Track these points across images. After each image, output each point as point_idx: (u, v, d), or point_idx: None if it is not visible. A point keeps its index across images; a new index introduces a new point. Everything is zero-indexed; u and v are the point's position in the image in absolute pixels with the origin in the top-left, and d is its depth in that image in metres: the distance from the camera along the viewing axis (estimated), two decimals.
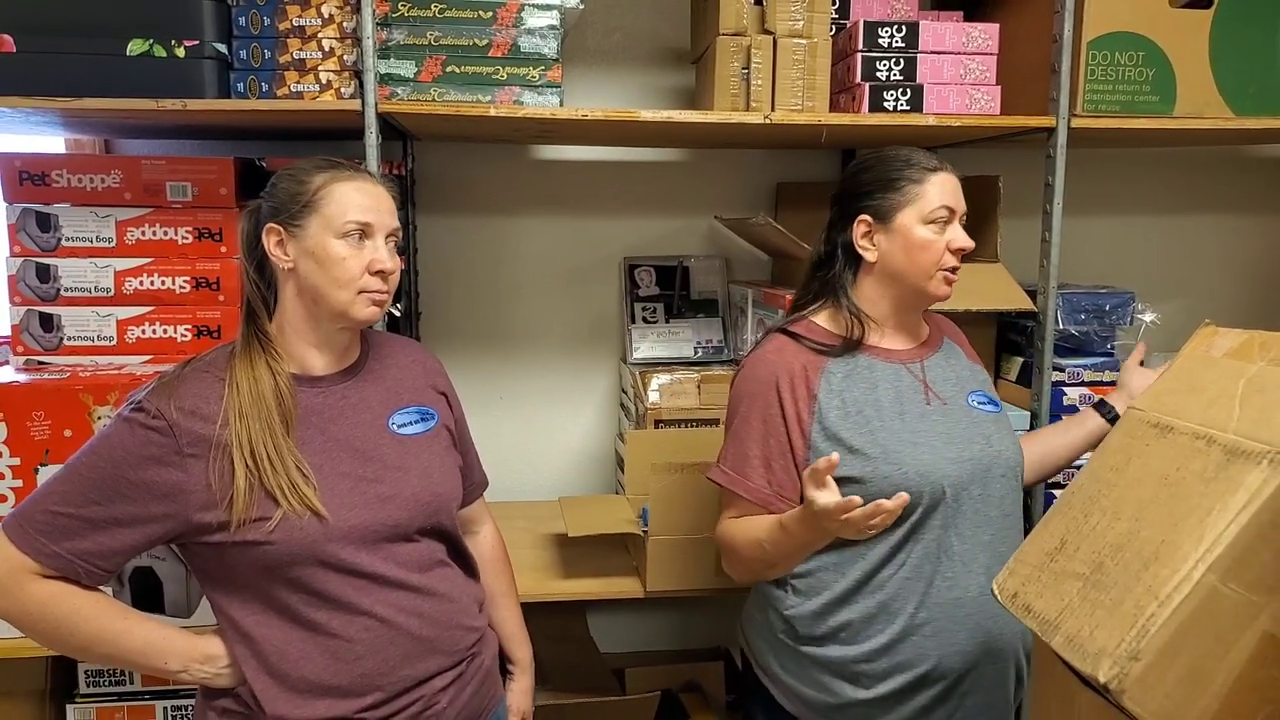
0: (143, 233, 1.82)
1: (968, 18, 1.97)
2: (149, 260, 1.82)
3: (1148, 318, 1.98)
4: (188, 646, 1.26)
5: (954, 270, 1.42)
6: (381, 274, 1.27)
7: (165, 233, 1.82)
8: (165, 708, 1.83)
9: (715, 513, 1.73)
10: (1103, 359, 1.97)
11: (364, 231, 1.26)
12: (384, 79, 1.73)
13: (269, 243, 1.27)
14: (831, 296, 1.48)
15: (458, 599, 1.36)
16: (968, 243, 1.41)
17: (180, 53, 1.66)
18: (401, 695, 1.28)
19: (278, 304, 1.32)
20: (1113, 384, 1.96)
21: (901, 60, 1.81)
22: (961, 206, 1.42)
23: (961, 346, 1.55)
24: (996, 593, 1.09)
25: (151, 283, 1.82)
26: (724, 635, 2.53)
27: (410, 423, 1.37)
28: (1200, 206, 2.56)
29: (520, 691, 1.57)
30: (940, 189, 1.41)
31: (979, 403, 1.47)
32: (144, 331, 1.83)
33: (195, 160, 1.83)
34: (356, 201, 1.26)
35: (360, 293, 1.26)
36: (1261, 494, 0.85)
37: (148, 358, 1.83)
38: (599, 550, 2.04)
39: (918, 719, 1.38)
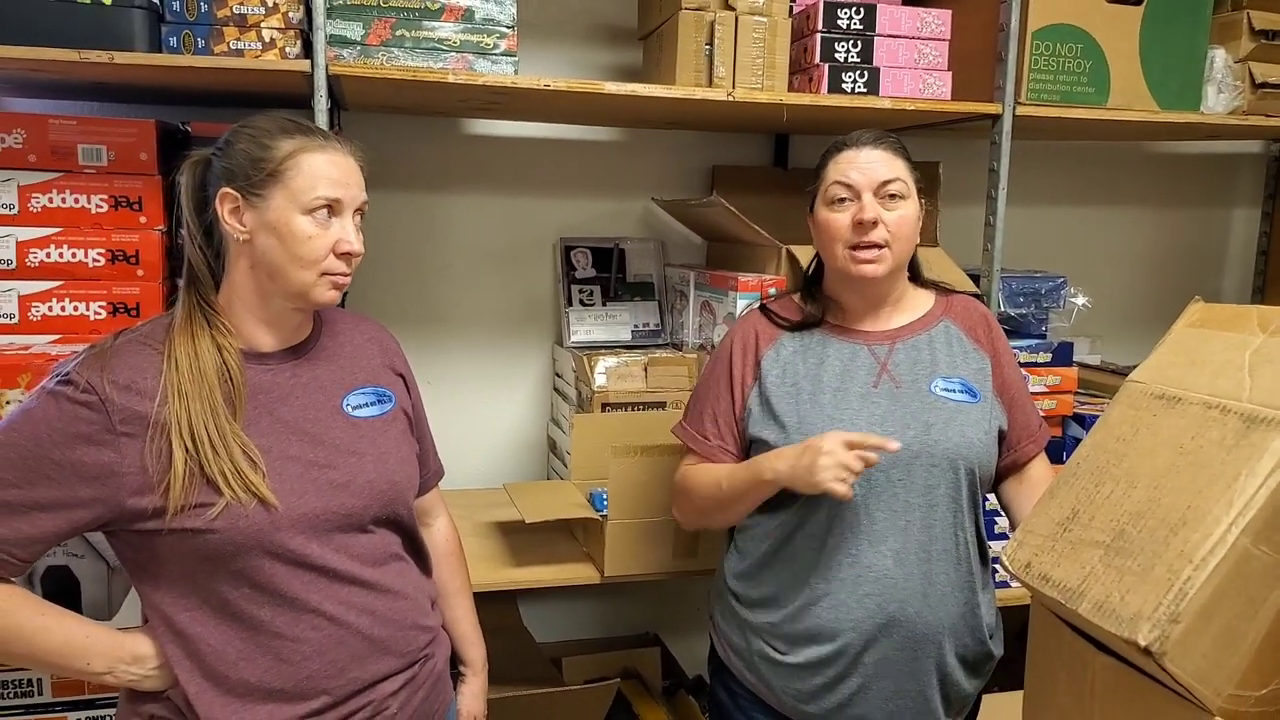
0: (50, 199, 1.64)
1: (909, 3, 1.99)
2: (57, 230, 1.65)
3: (1079, 301, 2.07)
4: (113, 645, 1.15)
5: (863, 247, 1.37)
6: (347, 256, 1.18)
7: (76, 200, 1.65)
8: (79, 719, 1.66)
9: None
10: (1036, 340, 2.04)
11: (332, 208, 1.16)
12: (329, 40, 1.61)
13: (222, 209, 1.16)
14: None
15: (412, 596, 1.28)
16: (866, 215, 1.35)
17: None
18: (350, 699, 1.20)
19: (226, 274, 1.21)
20: (1046, 365, 2.04)
21: (860, 42, 1.82)
22: (871, 180, 1.37)
23: (969, 331, 1.49)
24: (1006, 564, 1.10)
25: (60, 255, 1.65)
26: (654, 622, 2.52)
27: (366, 404, 1.28)
28: (1111, 199, 2.70)
29: (472, 695, 1.49)
30: (837, 167, 1.40)
31: (945, 389, 1.42)
32: (51, 308, 1.66)
33: (111, 121, 1.66)
34: (327, 175, 1.16)
35: (323, 275, 1.17)
36: None
37: (55, 337, 1.66)
38: (542, 537, 1.98)
39: (824, 693, 1.40)
